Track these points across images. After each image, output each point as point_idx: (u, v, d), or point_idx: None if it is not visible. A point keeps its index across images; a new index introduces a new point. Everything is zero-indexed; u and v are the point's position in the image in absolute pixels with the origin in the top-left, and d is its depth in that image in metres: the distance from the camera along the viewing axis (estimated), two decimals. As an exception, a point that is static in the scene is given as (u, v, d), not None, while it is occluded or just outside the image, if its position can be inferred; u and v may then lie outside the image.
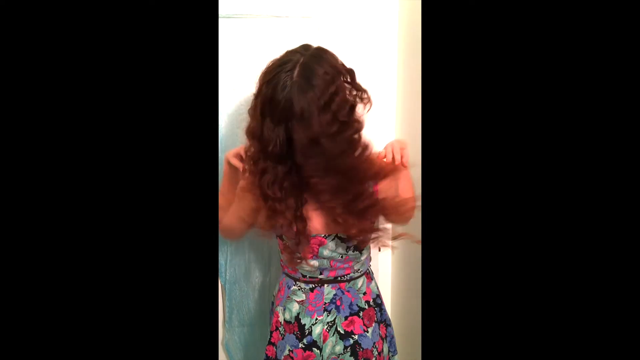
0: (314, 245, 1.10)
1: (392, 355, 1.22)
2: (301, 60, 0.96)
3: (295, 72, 0.94)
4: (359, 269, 1.17)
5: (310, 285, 1.15)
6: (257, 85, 1.00)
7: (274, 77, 0.95)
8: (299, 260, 1.12)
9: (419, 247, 1.42)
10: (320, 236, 1.09)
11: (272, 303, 1.25)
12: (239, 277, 1.60)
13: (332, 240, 1.09)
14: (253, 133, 0.99)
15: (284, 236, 1.10)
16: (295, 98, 0.93)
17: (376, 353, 1.13)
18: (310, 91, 0.93)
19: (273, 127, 0.95)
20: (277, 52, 1.03)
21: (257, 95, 0.99)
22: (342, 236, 1.08)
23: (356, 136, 0.99)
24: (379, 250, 1.67)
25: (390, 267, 1.72)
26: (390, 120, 1.54)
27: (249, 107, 1.04)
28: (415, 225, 1.20)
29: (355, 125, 0.99)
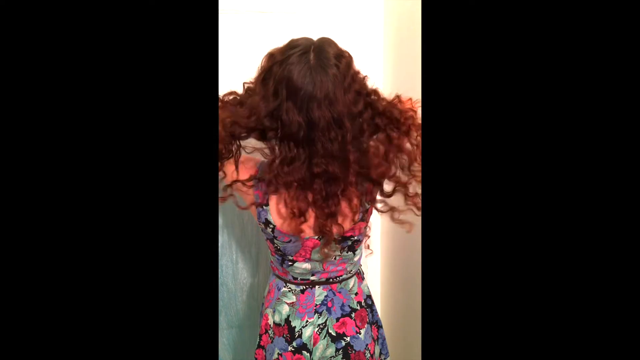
0: (307, 248, 1.07)
1: (384, 358, 1.21)
2: (312, 45, 0.96)
3: (312, 56, 0.93)
4: (351, 270, 1.15)
5: (301, 287, 1.13)
6: (263, 65, 0.99)
7: (287, 58, 0.94)
8: (290, 263, 1.10)
9: (409, 246, 1.43)
10: (315, 238, 1.06)
11: (262, 305, 1.23)
12: (226, 278, 1.58)
13: None
14: (273, 116, 0.95)
15: (275, 240, 1.08)
16: (318, 81, 0.92)
17: (368, 355, 1.12)
18: (332, 71, 0.93)
19: (297, 112, 0.93)
20: (263, 48, 1.01)
21: (266, 76, 0.97)
22: (337, 237, 1.06)
23: (383, 103, 1.00)
24: (368, 247, 1.66)
25: (379, 267, 1.71)
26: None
27: (246, 82, 1.02)
28: (415, 225, 1.18)
29: (375, 97, 1.00)
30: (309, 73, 0.92)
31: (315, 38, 0.99)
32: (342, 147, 0.95)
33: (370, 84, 1.03)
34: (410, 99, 1.04)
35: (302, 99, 0.92)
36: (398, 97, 1.03)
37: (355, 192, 1.01)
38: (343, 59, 0.96)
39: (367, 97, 0.98)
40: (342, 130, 0.94)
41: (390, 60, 1.50)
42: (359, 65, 1.01)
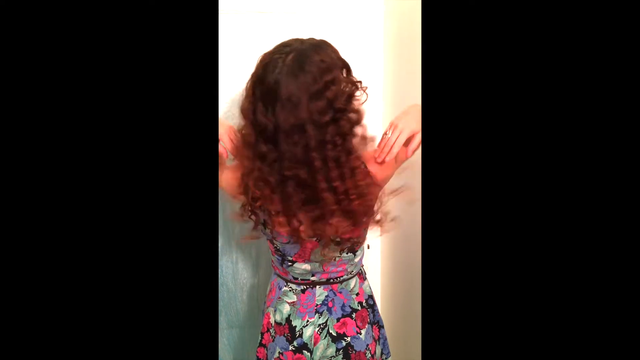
0: (306, 249, 1.07)
1: (386, 358, 1.21)
2: (299, 47, 0.94)
3: (290, 57, 0.92)
4: (352, 271, 1.15)
5: (302, 287, 1.13)
6: (255, 65, 0.99)
7: (268, 57, 0.94)
8: (290, 263, 1.10)
9: (409, 246, 1.43)
10: (313, 240, 1.05)
11: (264, 303, 1.23)
12: (226, 278, 1.58)
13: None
14: (245, 114, 0.97)
15: (274, 240, 1.08)
16: (284, 81, 0.90)
17: (369, 355, 1.12)
18: (302, 76, 0.91)
19: (265, 111, 0.93)
20: (263, 48, 1.01)
21: (252, 76, 0.98)
22: (336, 239, 1.05)
23: (351, 127, 0.96)
24: (368, 247, 1.66)
25: (379, 267, 1.71)
26: (376, 117, 1.53)
27: (245, 86, 1.02)
28: (415, 225, 1.18)
29: (352, 117, 0.96)
30: (278, 73, 0.91)
31: (316, 38, 0.99)
32: (305, 153, 0.93)
33: (370, 87, 1.01)
34: (392, 122, 1.02)
35: (271, 99, 0.92)
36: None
37: None
38: (322, 64, 0.92)
39: (337, 112, 0.94)
40: (305, 136, 0.92)
41: (390, 60, 1.50)
42: (358, 65, 1.00)
